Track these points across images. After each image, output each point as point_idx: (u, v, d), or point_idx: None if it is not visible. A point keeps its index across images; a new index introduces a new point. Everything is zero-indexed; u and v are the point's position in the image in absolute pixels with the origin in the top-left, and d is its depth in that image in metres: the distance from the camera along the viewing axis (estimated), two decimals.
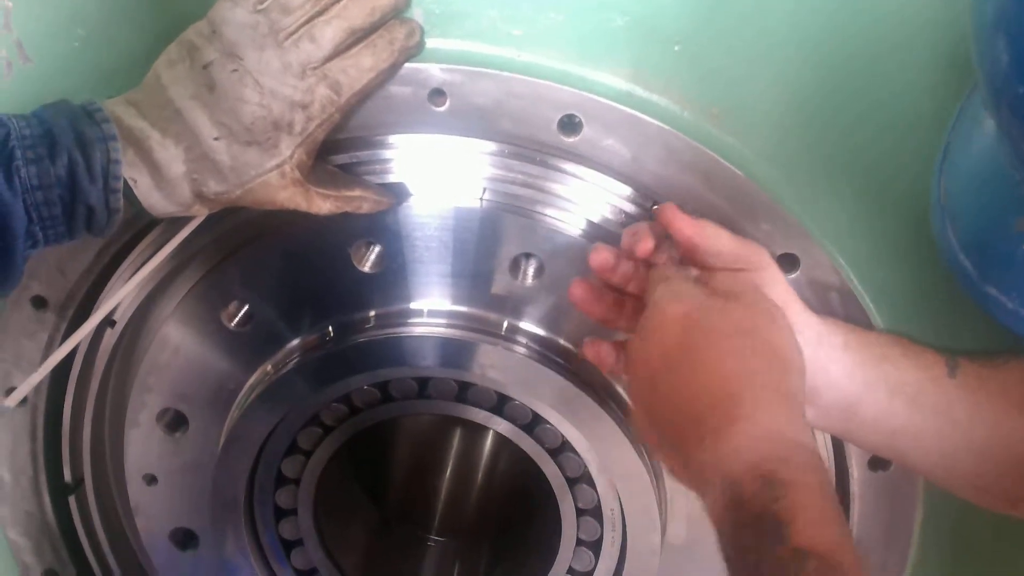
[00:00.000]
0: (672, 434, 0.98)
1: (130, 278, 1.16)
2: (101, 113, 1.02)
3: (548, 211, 1.24)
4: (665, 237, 1.11)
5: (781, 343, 0.98)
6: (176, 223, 1.19)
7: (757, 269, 1.09)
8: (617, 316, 1.13)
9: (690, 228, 1.08)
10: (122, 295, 1.12)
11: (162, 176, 1.04)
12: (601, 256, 1.10)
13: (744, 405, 0.90)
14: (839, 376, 1.11)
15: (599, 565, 1.44)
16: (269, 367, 1.34)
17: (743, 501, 0.84)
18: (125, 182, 1.03)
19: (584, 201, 1.23)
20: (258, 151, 1.04)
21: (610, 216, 1.23)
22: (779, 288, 1.10)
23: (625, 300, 1.13)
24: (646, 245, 1.09)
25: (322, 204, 1.12)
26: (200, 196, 1.06)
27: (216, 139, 1.03)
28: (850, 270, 1.21)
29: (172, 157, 1.04)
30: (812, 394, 1.08)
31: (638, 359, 1.03)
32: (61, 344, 1.14)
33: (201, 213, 1.10)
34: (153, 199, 1.05)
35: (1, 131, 0.97)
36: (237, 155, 1.04)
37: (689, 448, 0.94)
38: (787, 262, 1.19)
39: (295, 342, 1.33)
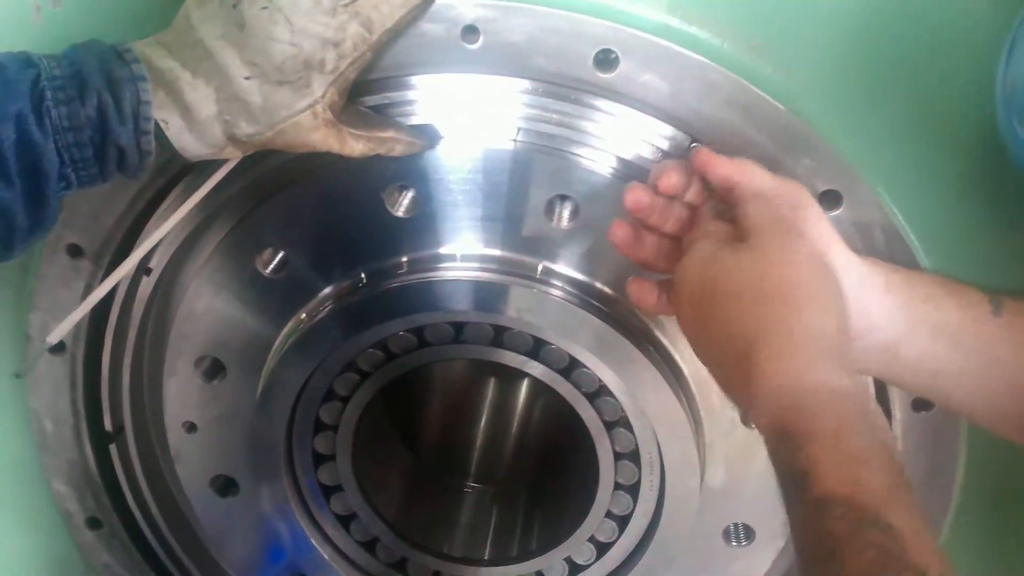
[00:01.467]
0: (726, 381, 0.99)
1: (166, 221, 1.15)
2: (131, 54, 1.01)
3: (583, 151, 1.22)
4: (700, 177, 1.09)
5: (799, 279, 0.95)
6: (210, 168, 1.18)
7: (796, 208, 1.06)
8: (656, 258, 1.11)
9: (726, 167, 1.06)
10: (164, 231, 1.11)
11: (193, 117, 1.03)
12: (636, 195, 1.08)
13: (757, 360, 0.90)
14: (880, 318, 1.09)
15: (637, 509, 1.44)
16: (304, 314, 1.33)
17: (772, 458, 0.85)
18: (157, 124, 1.02)
19: (620, 140, 1.21)
20: (290, 91, 1.03)
21: (647, 156, 1.20)
22: (820, 227, 1.07)
23: (663, 241, 1.11)
24: (669, 180, 1.07)
25: (355, 145, 1.10)
26: (232, 138, 1.05)
27: (247, 79, 1.02)
28: (895, 207, 1.18)
29: (203, 98, 1.02)
30: (854, 337, 1.06)
31: (677, 307, 1.04)
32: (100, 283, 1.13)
33: (234, 156, 1.09)
34: (185, 141, 1.04)
35: (31, 72, 0.96)
36: (268, 95, 1.02)
37: (741, 395, 0.95)
38: (830, 199, 1.16)
39: (330, 288, 1.32)
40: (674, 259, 1.07)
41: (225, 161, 1.15)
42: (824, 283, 0.96)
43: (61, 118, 0.96)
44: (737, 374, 0.93)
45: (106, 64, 0.99)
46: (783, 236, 0.98)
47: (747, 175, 1.06)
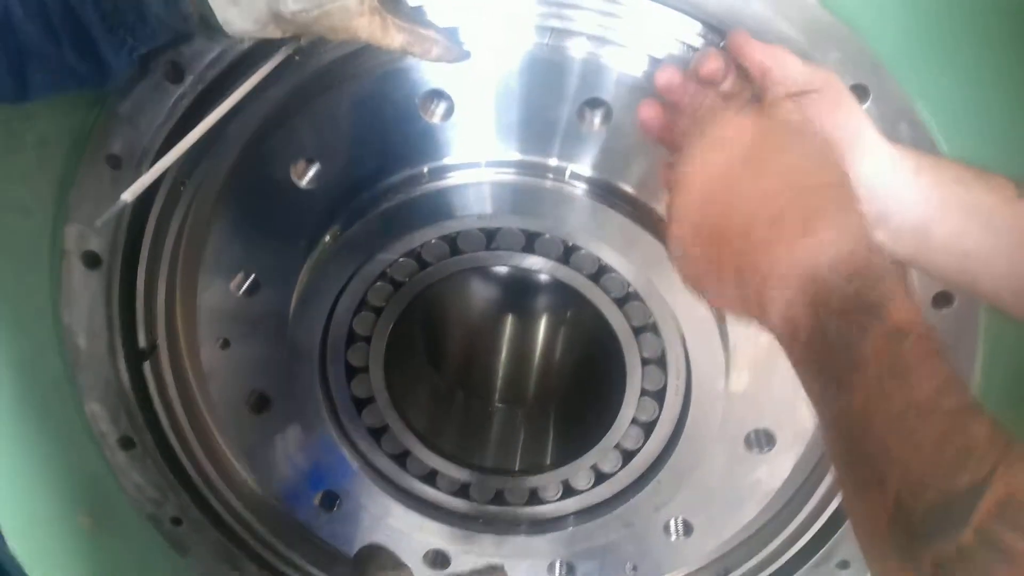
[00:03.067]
0: (727, 251, 0.97)
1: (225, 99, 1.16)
2: None
3: (615, 52, 1.25)
4: (735, 67, 1.12)
5: (825, 153, 0.99)
6: (247, 75, 1.21)
7: (828, 94, 1.10)
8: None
9: (760, 52, 1.09)
10: (208, 123, 1.13)
11: None
12: (667, 75, 1.11)
13: (821, 209, 0.92)
14: (912, 199, 1.12)
15: (662, 414, 1.48)
16: (339, 223, 1.36)
17: (832, 295, 0.86)
18: None
19: (652, 40, 1.24)
20: None
21: (678, 55, 1.23)
22: (852, 114, 1.11)
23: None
24: (712, 64, 1.10)
25: (396, 36, 1.12)
26: (276, 15, 1.07)
27: None
28: (920, 99, 1.22)
29: None
30: (884, 218, 1.10)
31: (691, 173, 1.00)
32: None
33: (274, 35, 1.11)
34: (229, 14, 1.06)
35: None
36: None
37: (750, 260, 0.94)
38: (857, 93, 1.19)
39: (363, 196, 1.35)
40: None
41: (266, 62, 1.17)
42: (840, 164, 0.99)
43: None
44: (772, 230, 0.92)
45: None
46: (807, 120, 1.02)
47: (779, 61, 1.09)
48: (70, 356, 1.49)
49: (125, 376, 1.51)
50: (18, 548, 1.61)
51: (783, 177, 0.96)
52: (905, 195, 1.12)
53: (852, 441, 0.85)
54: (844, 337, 0.86)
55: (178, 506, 1.63)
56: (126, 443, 1.57)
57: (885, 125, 1.20)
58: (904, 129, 1.22)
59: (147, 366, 1.53)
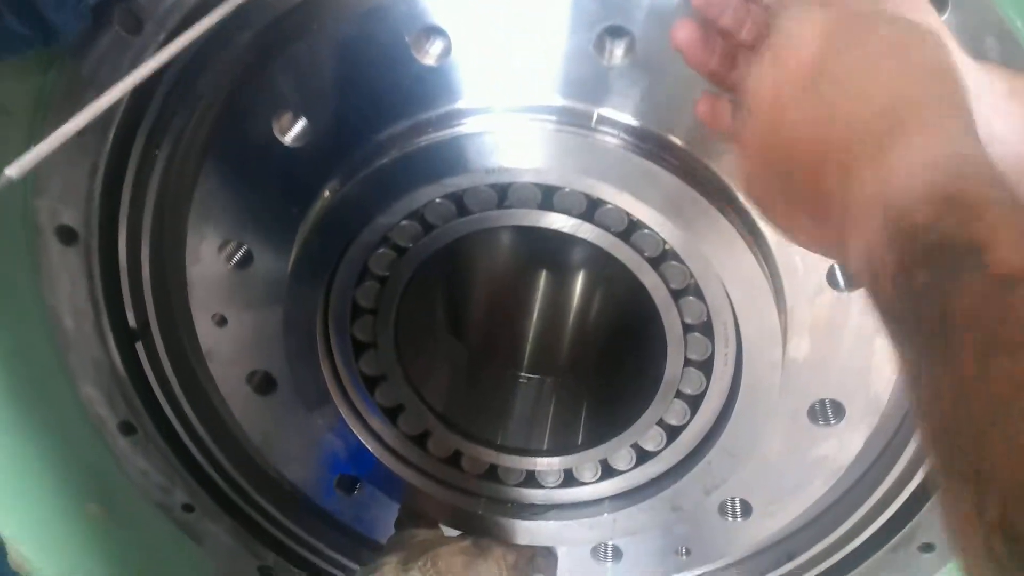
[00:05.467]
0: (803, 178, 0.80)
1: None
2: None
3: None
4: None
5: (941, 61, 0.78)
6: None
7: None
8: (729, 70, 0.94)
9: None
10: (132, 82, 0.96)
11: None
12: None
13: (910, 119, 0.71)
14: (1004, 129, 0.91)
15: (711, 388, 1.30)
16: (332, 184, 1.20)
17: (918, 231, 0.65)
18: None
19: None
20: None
21: None
22: (927, 22, 0.90)
23: (739, 53, 0.94)
24: None
25: None
26: None
27: None
28: (1010, 7, 1.00)
29: None
30: None
31: (761, 90, 0.84)
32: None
33: None
34: None
35: None
36: None
37: (828, 187, 0.76)
38: (934, 3, 0.98)
39: (356, 154, 1.18)
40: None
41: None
42: (954, 65, 0.78)
43: None
44: (849, 154, 0.74)
45: None
46: (898, 15, 0.81)
47: None
48: (58, 339, 1.38)
49: (117, 357, 1.40)
50: (26, 546, 1.52)
51: (869, 84, 0.76)
52: (997, 125, 0.90)
53: (944, 430, 0.65)
54: (933, 290, 0.64)
55: (188, 492, 1.53)
56: (127, 428, 1.46)
57: (968, 39, 0.99)
58: (991, 44, 1.01)
59: (140, 347, 1.41)
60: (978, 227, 0.62)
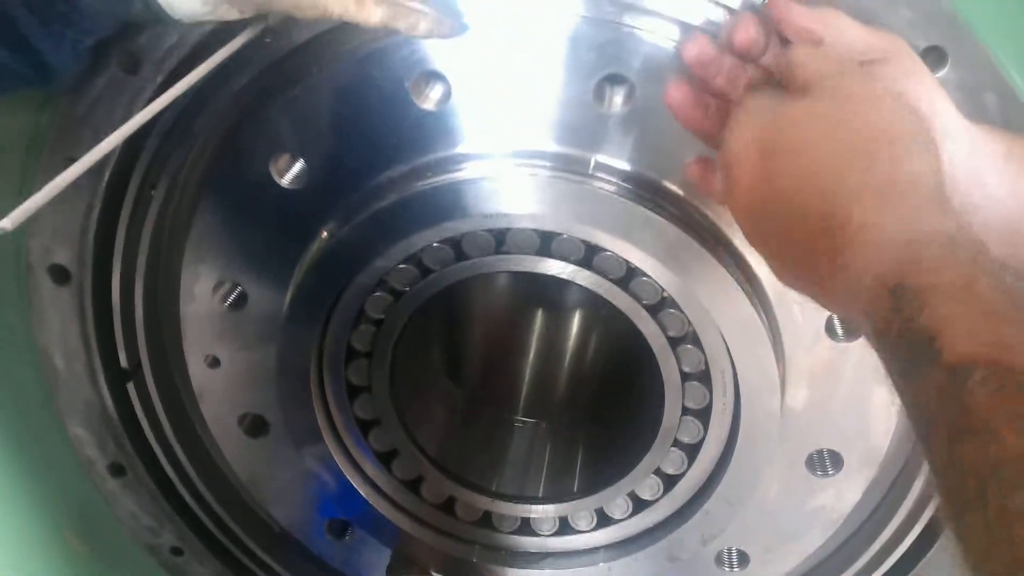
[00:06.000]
0: (796, 266, 0.82)
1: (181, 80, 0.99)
2: None
3: (638, 19, 1.05)
4: (776, 35, 0.91)
5: (886, 122, 0.78)
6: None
7: (895, 63, 0.89)
8: (720, 128, 0.94)
9: (806, 18, 0.89)
10: (132, 127, 0.95)
11: None
12: (698, 47, 0.91)
13: (852, 214, 0.73)
14: (1000, 190, 0.91)
15: (708, 435, 1.29)
16: (328, 226, 1.19)
17: (884, 324, 0.68)
18: None
19: (679, 6, 1.04)
20: None
21: (713, 19, 1.03)
22: (924, 86, 0.90)
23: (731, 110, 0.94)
24: (746, 33, 0.90)
25: (375, 10, 0.95)
26: None
27: None
28: (1011, 65, 0.99)
29: None
30: (966, 212, 0.89)
31: (727, 180, 0.86)
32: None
33: (231, 15, 0.94)
34: None
35: None
36: None
37: (820, 275, 0.78)
38: (932, 58, 0.98)
39: (354, 196, 1.17)
40: None
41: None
42: (914, 121, 0.79)
43: None
44: (820, 246, 0.76)
45: None
46: (853, 77, 0.82)
47: (833, 28, 0.89)
48: (48, 379, 1.36)
49: (108, 399, 1.38)
50: None
51: (799, 195, 0.79)
52: (992, 185, 0.91)
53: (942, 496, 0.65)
54: (903, 376, 0.67)
55: (177, 535, 1.50)
56: (116, 470, 1.44)
57: (966, 97, 1.00)
58: (991, 101, 1.00)
59: (132, 388, 1.39)
60: (925, 317, 0.63)
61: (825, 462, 1.30)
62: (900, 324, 0.66)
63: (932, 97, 0.90)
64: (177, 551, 1.52)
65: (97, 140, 1.07)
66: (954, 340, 0.62)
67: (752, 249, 0.91)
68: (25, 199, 1.05)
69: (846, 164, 0.76)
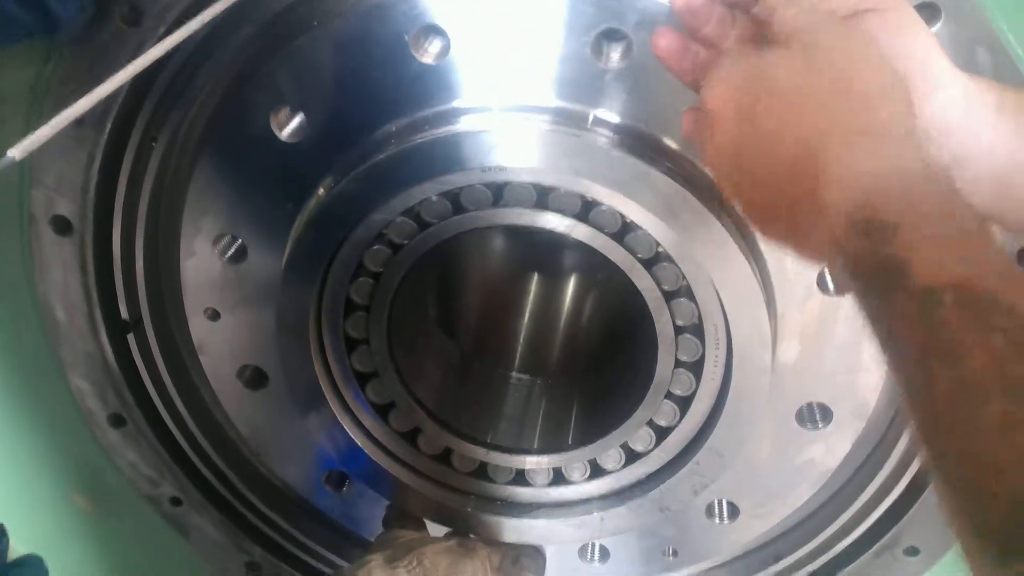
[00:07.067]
0: (771, 212, 0.85)
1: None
2: None
3: None
4: None
5: (860, 74, 0.80)
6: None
7: (888, 16, 0.90)
8: None
9: None
10: (135, 69, 0.96)
11: None
12: None
13: (824, 158, 0.76)
14: (993, 141, 0.92)
15: (700, 389, 1.31)
16: (328, 180, 1.20)
17: (856, 259, 0.71)
18: None
19: None
20: None
21: None
22: (918, 39, 0.91)
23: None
24: None
25: None
26: None
27: None
28: (1003, 20, 1.01)
29: None
30: (959, 165, 0.91)
31: (708, 130, 0.88)
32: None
33: None
34: None
35: None
36: None
37: (794, 221, 0.81)
38: (926, 13, 1.00)
39: (353, 150, 1.19)
40: None
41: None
42: (889, 74, 0.81)
43: None
44: (794, 192, 0.79)
45: None
46: (832, 30, 0.83)
47: None
48: (50, 330, 1.38)
49: (109, 350, 1.40)
50: (13, 537, 1.51)
51: (774, 146, 0.81)
52: (984, 137, 0.92)
53: (917, 425, 0.68)
54: (873, 307, 0.70)
55: (176, 486, 1.53)
56: (117, 420, 1.47)
57: (960, 51, 1.02)
58: (983, 56, 1.02)
59: (132, 339, 1.41)
60: (894, 247, 0.66)
61: (815, 415, 1.32)
62: (871, 255, 0.68)
63: (927, 50, 0.91)
64: (176, 501, 1.55)
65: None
66: (924, 265, 0.65)
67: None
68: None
69: (819, 112, 0.78)
